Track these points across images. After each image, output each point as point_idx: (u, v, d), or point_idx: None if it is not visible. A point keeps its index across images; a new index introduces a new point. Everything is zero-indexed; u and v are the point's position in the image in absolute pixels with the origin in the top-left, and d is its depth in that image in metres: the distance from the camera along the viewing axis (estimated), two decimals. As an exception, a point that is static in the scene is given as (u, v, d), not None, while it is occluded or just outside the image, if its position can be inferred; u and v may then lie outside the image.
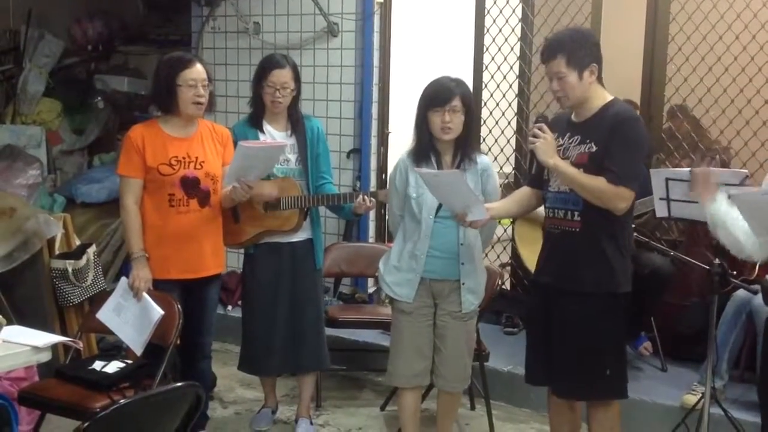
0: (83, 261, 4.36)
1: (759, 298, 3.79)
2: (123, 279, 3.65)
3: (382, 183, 5.42)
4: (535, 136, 3.15)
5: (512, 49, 5.30)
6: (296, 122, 3.90)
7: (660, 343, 4.61)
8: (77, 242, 4.60)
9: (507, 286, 5.36)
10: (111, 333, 3.72)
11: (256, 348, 3.99)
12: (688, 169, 3.26)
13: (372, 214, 5.40)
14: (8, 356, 2.87)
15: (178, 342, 3.58)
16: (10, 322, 3.25)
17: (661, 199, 3.35)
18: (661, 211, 3.41)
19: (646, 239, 3.98)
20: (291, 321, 3.93)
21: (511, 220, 4.93)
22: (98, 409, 2.99)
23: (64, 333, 4.22)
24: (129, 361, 3.57)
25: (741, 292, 4.02)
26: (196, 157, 3.65)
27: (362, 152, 5.49)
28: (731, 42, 4.59)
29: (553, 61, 3.10)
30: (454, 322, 3.50)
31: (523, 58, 5.31)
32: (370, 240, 5.54)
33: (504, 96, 5.35)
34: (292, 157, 3.88)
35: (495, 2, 5.30)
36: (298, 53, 5.45)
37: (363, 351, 4.95)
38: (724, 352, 4.10)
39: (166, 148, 3.61)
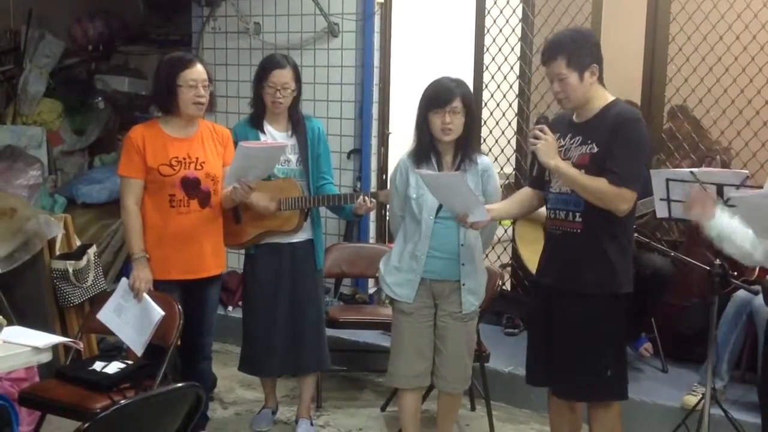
0: (84, 262, 4.36)
1: (759, 299, 3.80)
2: (123, 280, 3.65)
3: (382, 183, 5.42)
4: (536, 137, 3.14)
5: (512, 49, 5.30)
6: (297, 123, 3.90)
7: (660, 344, 4.61)
8: (78, 243, 4.60)
9: (507, 286, 5.36)
10: (111, 334, 3.73)
11: (256, 348, 3.98)
12: (689, 169, 3.25)
13: (372, 215, 5.40)
14: (9, 357, 2.87)
15: (179, 343, 3.58)
16: (10, 323, 3.26)
17: (661, 199, 3.35)
18: (661, 211, 3.40)
19: (647, 240, 3.98)
20: (291, 321, 3.93)
21: (512, 220, 4.93)
22: (99, 410, 2.98)
23: (64, 334, 4.22)
24: (129, 362, 3.57)
25: (741, 293, 4.02)
26: (197, 158, 3.64)
27: (363, 153, 5.49)
28: (732, 42, 4.59)
29: (553, 62, 3.08)
30: (454, 323, 3.50)
31: (524, 58, 5.30)
32: (371, 241, 5.54)
33: (504, 96, 5.34)
34: (293, 157, 3.88)
35: (495, 2, 5.29)
36: (299, 53, 5.45)
37: (363, 352, 4.95)
38: (724, 352, 4.09)
39: (167, 149, 3.61)
